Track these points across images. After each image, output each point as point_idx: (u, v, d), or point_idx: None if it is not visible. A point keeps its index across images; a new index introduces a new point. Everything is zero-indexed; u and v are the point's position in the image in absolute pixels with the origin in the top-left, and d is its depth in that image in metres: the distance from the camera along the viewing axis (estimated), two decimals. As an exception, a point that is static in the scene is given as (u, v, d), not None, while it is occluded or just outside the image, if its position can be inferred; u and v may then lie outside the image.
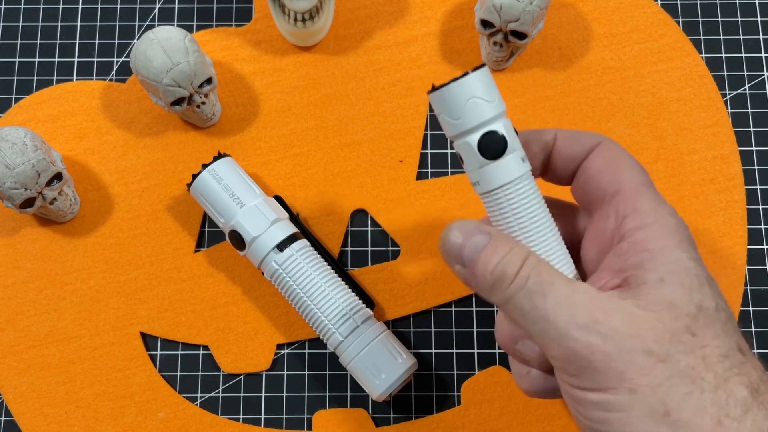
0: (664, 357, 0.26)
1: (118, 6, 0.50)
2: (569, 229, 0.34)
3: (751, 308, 0.45)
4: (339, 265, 0.44)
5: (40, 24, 0.50)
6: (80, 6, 0.50)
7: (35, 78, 0.49)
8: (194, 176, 0.42)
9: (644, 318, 0.26)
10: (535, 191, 0.31)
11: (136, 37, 0.50)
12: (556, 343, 0.27)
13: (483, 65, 0.30)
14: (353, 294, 0.42)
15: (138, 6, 0.50)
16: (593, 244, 0.31)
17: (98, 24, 0.50)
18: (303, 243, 0.42)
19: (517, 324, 0.29)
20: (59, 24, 0.50)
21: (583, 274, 0.33)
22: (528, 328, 0.28)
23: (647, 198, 0.29)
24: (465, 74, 0.29)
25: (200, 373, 0.45)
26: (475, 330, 0.45)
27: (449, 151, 0.48)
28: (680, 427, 0.25)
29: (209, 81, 0.44)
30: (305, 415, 0.44)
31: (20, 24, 0.50)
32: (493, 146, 0.30)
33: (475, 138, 0.30)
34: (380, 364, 0.40)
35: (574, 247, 0.33)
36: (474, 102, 0.29)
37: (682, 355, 0.26)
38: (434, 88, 0.30)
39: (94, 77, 0.49)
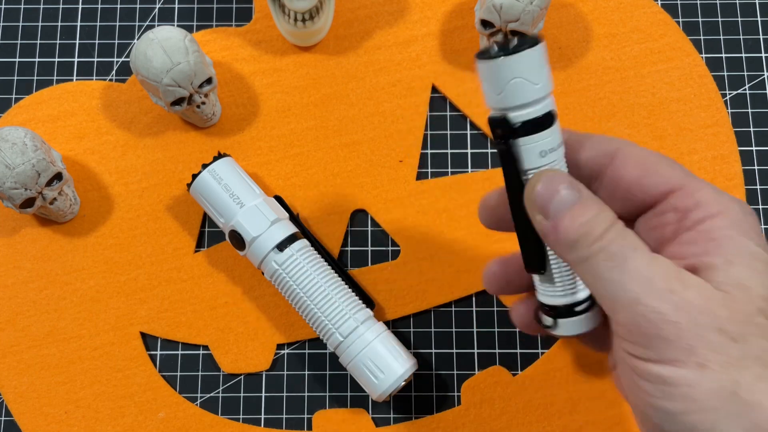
0: (737, 336, 0.25)
1: (118, 6, 0.50)
2: None
3: (751, 308, 0.45)
4: (339, 265, 0.44)
5: (40, 24, 0.50)
6: (80, 6, 0.50)
7: (35, 78, 0.49)
8: (194, 176, 0.42)
9: (717, 296, 0.26)
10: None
11: (136, 37, 0.50)
12: (627, 308, 0.26)
13: (538, 41, 0.29)
14: (353, 294, 0.42)
15: (138, 6, 0.50)
16: (651, 239, 0.30)
17: (98, 24, 0.50)
18: (303, 243, 0.42)
19: (585, 283, 0.29)
20: (59, 24, 0.50)
21: None
22: (600, 290, 0.28)
23: (705, 189, 0.29)
24: (518, 47, 0.28)
25: (200, 373, 0.45)
26: (475, 330, 0.45)
27: (449, 151, 0.48)
28: (750, 408, 0.25)
29: (209, 81, 0.44)
30: (305, 415, 0.44)
31: (20, 24, 0.50)
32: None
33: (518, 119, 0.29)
34: (380, 364, 0.40)
35: None
36: (517, 82, 0.28)
37: (755, 337, 0.25)
38: (484, 56, 0.29)
39: (94, 77, 0.49)
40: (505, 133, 0.29)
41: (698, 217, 0.28)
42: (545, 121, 0.29)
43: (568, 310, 0.31)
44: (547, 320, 0.32)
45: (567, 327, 0.31)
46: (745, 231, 0.28)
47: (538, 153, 0.29)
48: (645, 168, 0.30)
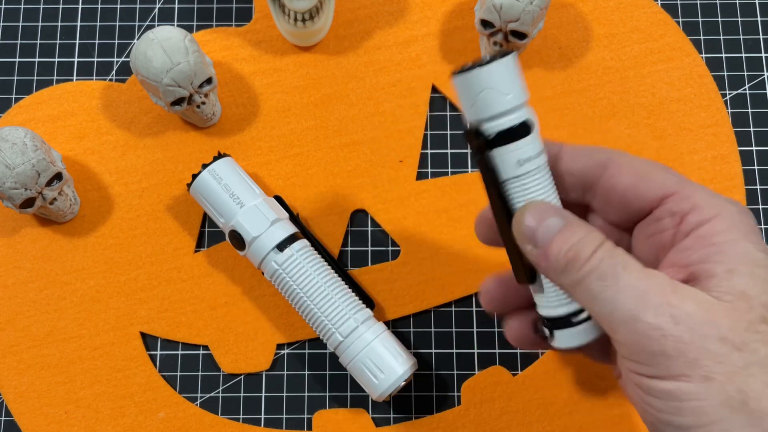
0: (740, 345, 0.25)
1: (118, 6, 0.50)
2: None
3: (751, 308, 0.45)
4: (339, 265, 0.44)
5: (40, 24, 0.50)
6: (80, 6, 0.50)
7: (35, 78, 0.49)
8: (194, 176, 0.42)
9: (718, 306, 0.26)
10: (549, 185, 0.31)
11: (136, 37, 0.50)
12: (625, 326, 0.26)
13: (510, 52, 0.29)
14: (353, 294, 0.42)
15: (138, 6, 0.50)
16: (649, 245, 0.31)
17: (98, 24, 0.50)
18: (303, 243, 0.42)
19: (584, 306, 0.29)
20: (59, 24, 0.50)
21: None
22: (597, 310, 0.27)
23: (699, 192, 0.29)
24: (489, 61, 0.29)
25: (200, 373, 0.45)
26: (475, 330, 0.45)
27: (449, 151, 0.48)
28: (761, 416, 0.25)
29: (209, 81, 0.44)
30: (305, 415, 0.44)
31: (20, 24, 0.50)
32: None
33: (492, 130, 0.29)
34: (380, 364, 0.40)
35: None
36: (487, 93, 0.29)
37: (759, 344, 0.25)
38: (459, 71, 0.29)
39: (94, 77, 0.49)
40: (481, 144, 0.30)
41: (695, 220, 0.28)
42: (520, 131, 0.29)
43: (565, 321, 0.31)
44: (545, 332, 0.32)
45: (565, 338, 0.31)
46: (745, 233, 0.27)
47: (516, 162, 0.29)
48: (639, 174, 0.30)
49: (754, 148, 0.48)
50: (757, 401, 0.25)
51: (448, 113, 0.48)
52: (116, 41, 0.50)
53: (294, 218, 0.44)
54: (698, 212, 0.28)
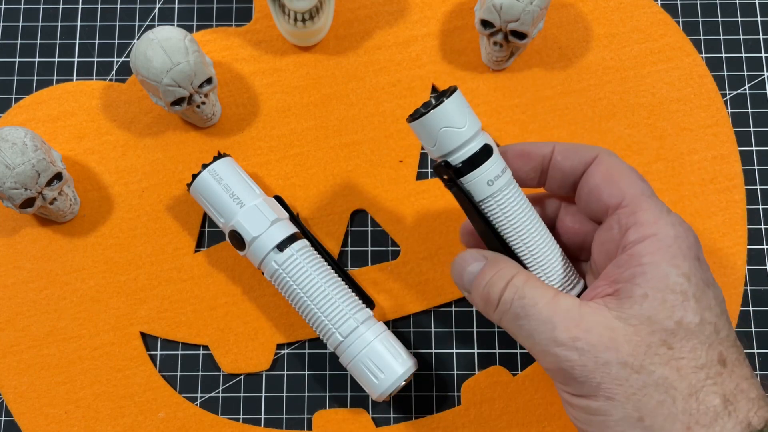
0: (638, 368, 0.28)
1: (118, 6, 0.50)
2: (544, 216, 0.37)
3: (751, 308, 0.45)
4: (339, 265, 0.44)
5: (40, 24, 0.50)
6: (80, 6, 0.50)
7: (35, 78, 0.49)
8: (194, 176, 0.42)
9: (622, 331, 0.28)
10: (520, 196, 0.34)
11: (136, 37, 0.50)
12: (542, 358, 0.30)
13: (454, 89, 0.33)
14: (353, 294, 0.42)
15: (138, 6, 0.50)
16: (600, 252, 0.33)
17: (98, 24, 0.50)
18: (303, 243, 0.42)
19: (513, 337, 0.32)
20: (59, 24, 0.50)
21: (585, 272, 0.36)
22: (520, 341, 0.31)
23: (648, 209, 0.31)
24: (436, 103, 0.32)
25: (200, 373, 0.45)
26: (475, 330, 0.45)
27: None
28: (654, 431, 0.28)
29: (209, 81, 0.44)
30: (305, 415, 0.44)
31: (20, 24, 0.50)
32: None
33: (456, 160, 0.33)
34: (380, 364, 0.40)
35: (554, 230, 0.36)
36: (445, 131, 0.32)
37: (656, 366, 0.28)
38: (416, 115, 0.33)
39: (94, 77, 0.49)
40: (451, 176, 0.33)
41: (633, 238, 0.30)
42: (483, 155, 0.33)
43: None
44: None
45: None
46: (672, 257, 0.29)
47: (486, 183, 0.33)
48: (608, 178, 0.32)
49: (754, 148, 0.48)
50: (651, 418, 0.28)
51: (448, 113, 0.48)
52: (116, 41, 0.50)
53: (294, 218, 0.44)
54: (637, 229, 0.30)
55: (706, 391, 0.28)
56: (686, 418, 0.27)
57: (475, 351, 0.45)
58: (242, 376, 0.45)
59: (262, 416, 0.44)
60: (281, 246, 0.41)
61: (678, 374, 0.28)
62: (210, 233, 0.47)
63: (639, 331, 0.28)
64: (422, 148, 0.47)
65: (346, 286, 0.42)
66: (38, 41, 0.50)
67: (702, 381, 0.28)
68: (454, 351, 0.45)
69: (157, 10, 0.50)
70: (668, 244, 0.30)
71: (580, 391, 0.29)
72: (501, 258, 0.33)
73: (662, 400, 0.28)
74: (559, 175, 0.34)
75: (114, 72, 0.49)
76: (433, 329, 0.45)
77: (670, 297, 0.29)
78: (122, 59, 0.50)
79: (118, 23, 0.50)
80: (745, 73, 0.49)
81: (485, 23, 0.44)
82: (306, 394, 0.45)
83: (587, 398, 0.29)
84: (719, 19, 0.50)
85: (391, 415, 0.44)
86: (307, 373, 0.45)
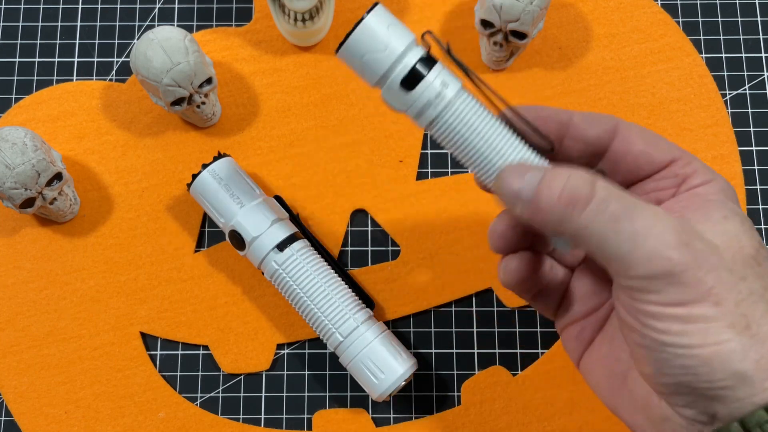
0: (743, 276, 0.28)
1: (118, 6, 0.50)
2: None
3: (751, 308, 0.45)
4: (339, 265, 0.44)
5: (40, 24, 0.50)
6: (80, 6, 0.50)
7: (35, 78, 0.49)
8: (194, 176, 0.42)
9: (720, 243, 0.28)
10: (477, 106, 0.31)
11: (136, 37, 0.50)
12: (644, 263, 0.27)
13: (375, 4, 0.30)
14: (353, 294, 0.42)
15: (138, 6, 0.50)
16: (650, 198, 0.32)
17: (98, 24, 0.50)
18: (303, 243, 0.42)
19: (587, 249, 0.29)
20: (59, 24, 0.50)
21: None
22: (608, 252, 0.28)
23: (698, 161, 0.32)
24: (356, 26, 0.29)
25: (200, 373, 0.45)
26: (475, 330, 0.45)
27: (449, 150, 0.47)
28: (760, 341, 0.27)
29: (209, 81, 0.44)
30: (305, 415, 0.44)
31: (20, 24, 0.50)
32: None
33: (395, 81, 0.30)
34: (380, 364, 0.40)
35: None
36: (367, 59, 0.30)
37: (755, 277, 0.28)
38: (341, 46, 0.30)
39: (94, 77, 0.49)
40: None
41: (695, 182, 0.31)
42: (418, 72, 0.31)
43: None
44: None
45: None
46: (733, 198, 0.31)
47: (436, 95, 0.31)
48: (649, 142, 0.32)
49: (754, 148, 0.48)
50: (758, 326, 0.27)
51: (448, 113, 0.48)
52: (116, 41, 0.50)
53: (294, 218, 0.44)
54: (698, 176, 0.31)
55: None
56: None
57: (475, 351, 0.45)
58: (242, 376, 0.45)
59: (262, 416, 0.44)
60: (281, 246, 0.41)
61: None
62: (210, 233, 0.47)
63: (731, 246, 0.28)
64: (422, 148, 0.47)
65: (346, 286, 0.42)
66: (38, 41, 0.50)
67: None
68: (454, 351, 0.45)
69: (157, 10, 0.50)
70: (727, 188, 0.31)
71: (680, 297, 0.27)
72: (565, 164, 0.31)
73: (767, 310, 0.27)
74: (581, 144, 0.33)
75: (114, 72, 0.49)
76: (433, 329, 0.45)
77: (746, 223, 0.29)
78: (122, 59, 0.50)
79: (118, 23, 0.50)
80: (745, 73, 0.49)
81: (485, 23, 0.44)
82: (306, 394, 0.45)
83: (689, 305, 0.27)
84: (719, 19, 0.50)
85: (391, 415, 0.44)
86: (307, 373, 0.45)
